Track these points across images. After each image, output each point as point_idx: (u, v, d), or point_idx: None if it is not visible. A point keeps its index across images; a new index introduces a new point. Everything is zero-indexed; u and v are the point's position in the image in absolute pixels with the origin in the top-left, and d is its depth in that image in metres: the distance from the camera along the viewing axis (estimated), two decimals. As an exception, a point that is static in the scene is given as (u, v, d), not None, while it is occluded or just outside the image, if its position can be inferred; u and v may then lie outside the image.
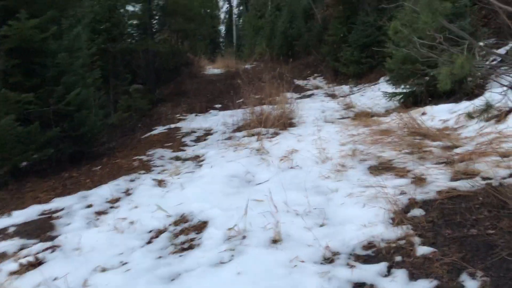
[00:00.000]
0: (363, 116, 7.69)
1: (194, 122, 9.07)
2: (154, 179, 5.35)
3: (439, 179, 4.16)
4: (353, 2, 13.72)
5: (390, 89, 8.70)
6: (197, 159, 6.21)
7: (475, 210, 3.46)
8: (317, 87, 12.92)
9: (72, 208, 4.86)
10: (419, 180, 4.25)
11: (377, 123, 6.82)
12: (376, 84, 10.77)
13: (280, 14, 21.61)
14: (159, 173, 5.80)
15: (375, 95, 9.53)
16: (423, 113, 6.84)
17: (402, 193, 4.04)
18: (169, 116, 10.00)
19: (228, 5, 46.26)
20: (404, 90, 7.84)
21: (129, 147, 7.50)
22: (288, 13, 19.48)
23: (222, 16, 46.25)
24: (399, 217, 3.57)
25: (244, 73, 16.29)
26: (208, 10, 36.44)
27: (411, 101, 7.72)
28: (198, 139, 7.52)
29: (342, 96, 10.45)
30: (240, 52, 33.09)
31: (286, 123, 7.58)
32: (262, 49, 23.52)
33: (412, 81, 7.76)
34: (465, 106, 6.34)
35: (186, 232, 3.97)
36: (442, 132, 5.78)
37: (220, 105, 11.28)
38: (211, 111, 10.78)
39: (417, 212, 3.64)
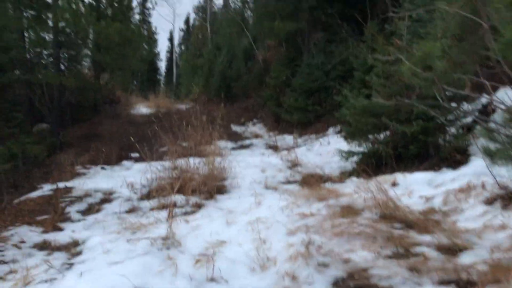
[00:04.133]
0: (314, 181, 5.96)
1: (94, 179, 6.90)
2: (-21, 297, 3.16)
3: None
4: (297, 42, 12.40)
5: (344, 144, 7.11)
6: (71, 251, 4.06)
7: None
8: (256, 136, 11.21)
9: None
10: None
11: (335, 195, 5.09)
12: (324, 136, 9.22)
13: (219, 53, 20.13)
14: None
15: (325, 150, 7.92)
16: (394, 184, 5.21)
17: None
18: (67, 168, 7.74)
19: (169, 43, 44.81)
20: (365, 150, 6.24)
21: (-15, 220, 5.20)
22: (228, 53, 17.98)
23: (163, 54, 44.76)
24: None
25: (175, 115, 14.37)
26: (145, 46, 34.53)
27: (373, 163, 6.11)
28: (89, 210, 5.37)
29: (285, 149, 8.76)
30: (179, 91, 31.31)
31: (214, 188, 5.66)
32: (199, 89, 21.85)
33: (374, 138, 6.20)
34: (451, 177, 4.78)
35: None
36: (428, 217, 4.12)
37: (137, 155, 9.16)
38: (124, 162, 8.64)
39: None
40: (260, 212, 4.56)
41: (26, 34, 10.46)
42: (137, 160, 8.80)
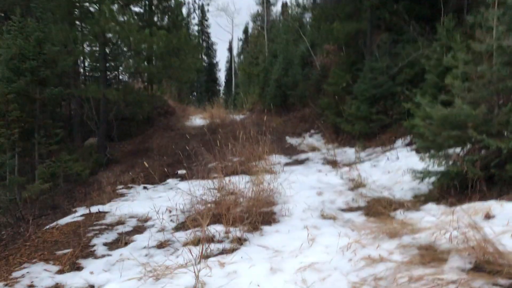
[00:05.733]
0: (382, 208, 4.90)
1: (132, 202, 6.26)
2: None
3: None
4: (358, 45, 11.28)
5: (416, 160, 5.97)
6: (80, 303, 3.35)
7: None
8: (313, 149, 10.21)
9: None
10: None
11: (410, 229, 4.02)
12: (392, 149, 8.05)
13: (275, 61, 19.34)
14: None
15: (394, 167, 6.78)
16: (488, 216, 4.04)
17: None
18: (107, 188, 7.21)
19: (228, 53, 44.95)
20: (446, 169, 5.07)
21: (4, 253, 4.66)
22: (284, 60, 17.10)
23: (222, 64, 45.19)
24: None
25: (228, 126, 13.70)
26: (204, 57, 34.64)
27: (456, 187, 4.95)
28: (117, 242, 4.68)
29: (346, 165, 7.70)
30: (237, 101, 31.00)
31: (260, 217, 4.77)
32: (254, 99, 21.18)
33: (456, 154, 5.04)
34: None
35: None
36: (548, 271, 2.98)
37: (184, 171, 8.50)
38: (169, 180, 8.00)
39: None
40: (314, 254, 3.61)
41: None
42: (183, 178, 8.14)
